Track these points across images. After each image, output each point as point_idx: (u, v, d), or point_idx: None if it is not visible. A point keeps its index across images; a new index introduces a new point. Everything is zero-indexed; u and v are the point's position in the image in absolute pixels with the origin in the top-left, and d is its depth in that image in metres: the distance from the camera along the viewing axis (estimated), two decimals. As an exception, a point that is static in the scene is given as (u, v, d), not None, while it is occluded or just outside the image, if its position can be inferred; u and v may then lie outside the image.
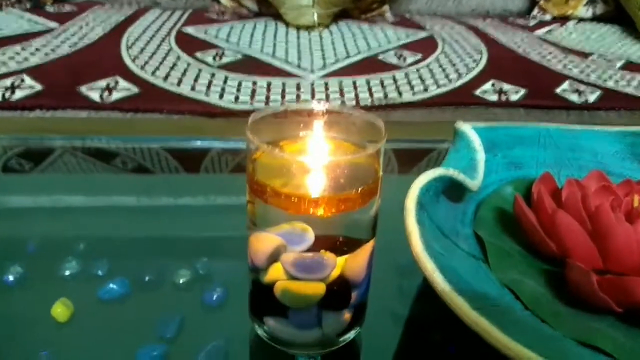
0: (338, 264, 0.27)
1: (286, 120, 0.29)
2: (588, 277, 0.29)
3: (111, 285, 0.35)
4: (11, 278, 0.36)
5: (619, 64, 0.87)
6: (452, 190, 0.35)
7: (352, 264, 0.27)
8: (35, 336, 0.31)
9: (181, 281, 0.37)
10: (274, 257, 0.27)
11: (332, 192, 0.25)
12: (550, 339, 0.27)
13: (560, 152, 0.44)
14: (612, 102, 0.73)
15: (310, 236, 0.26)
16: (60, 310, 0.33)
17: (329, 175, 0.25)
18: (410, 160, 0.56)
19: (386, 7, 1.14)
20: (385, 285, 0.35)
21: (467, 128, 0.40)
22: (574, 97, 0.74)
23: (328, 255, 0.26)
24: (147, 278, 0.37)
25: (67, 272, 0.37)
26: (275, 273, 0.27)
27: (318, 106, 0.29)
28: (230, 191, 0.48)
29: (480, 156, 0.38)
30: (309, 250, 0.26)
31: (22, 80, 0.68)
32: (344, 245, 0.27)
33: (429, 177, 0.32)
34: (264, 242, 0.27)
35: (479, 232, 0.35)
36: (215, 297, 0.35)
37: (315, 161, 0.25)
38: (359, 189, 0.25)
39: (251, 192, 0.27)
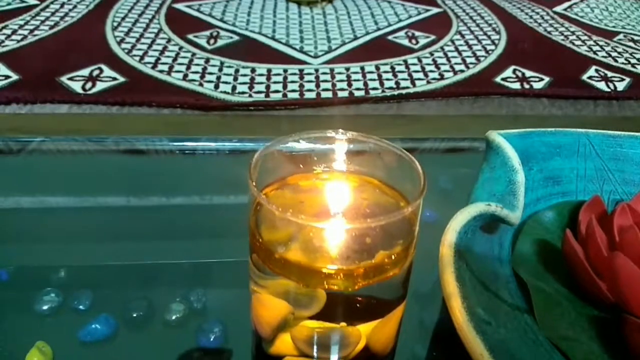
0: (361, 334, 0.22)
1: (299, 152, 0.23)
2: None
3: (94, 325, 0.31)
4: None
5: (647, 45, 0.81)
6: (489, 223, 0.30)
7: (378, 334, 0.22)
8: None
9: (173, 318, 0.33)
10: (282, 326, 0.22)
11: (357, 260, 0.20)
12: None
13: (602, 162, 0.39)
14: (643, 90, 0.68)
15: (325, 297, 0.21)
16: (36, 359, 0.29)
17: (354, 237, 0.20)
18: (431, 163, 0.50)
19: (393, -21, 1.05)
20: (408, 326, 0.31)
21: (502, 141, 0.35)
22: (602, 85, 0.68)
23: (351, 331, 0.21)
24: (134, 315, 0.33)
25: (45, 307, 0.33)
26: (284, 346, 0.22)
27: (338, 136, 0.23)
28: (230, 210, 0.42)
29: (520, 178, 0.33)
30: (324, 316, 0.21)
31: (-3, 69, 0.61)
32: (369, 310, 0.22)
33: (468, 217, 0.26)
34: (269, 308, 0.22)
35: (520, 273, 0.30)
36: (212, 338, 0.31)
37: (336, 225, 0.20)
38: (391, 255, 0.20)
39: (254, 248, 0.22)
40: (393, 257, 0.20)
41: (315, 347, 0.21)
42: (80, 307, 0.33)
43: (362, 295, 0.22)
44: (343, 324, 0.21)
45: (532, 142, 0.37)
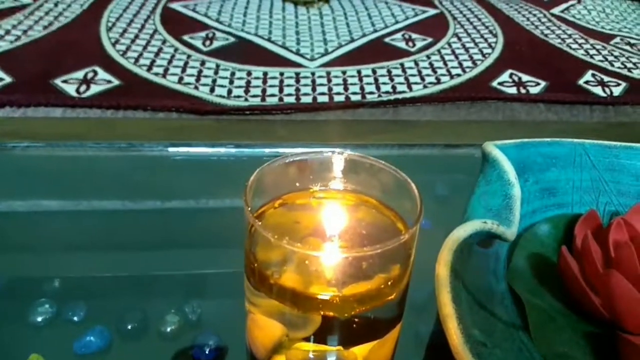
0: (358, 357, 0.22)
1: (295, 172, 0.23)
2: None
3: (89, 338, 0.31)
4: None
5: (643, 49, 0.81)
6: (485, 239, 0.30)
7: (375, 355, 0.22)
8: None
9: (169, 329, 0.32)
10: (276, 348, 0.22)
11: (352, 287, 0.20)
12: None
13: (598, 173, 0.39)
14: (639, 94, 0.68)
15: (318, 319, 0.21)
16: None
17: (350, 263, 0.20)
18: (426, 170, 0.50)
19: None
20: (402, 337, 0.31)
21: (498, 154, 0.35)
22: (598, 90, 0.68)
23: (347, 354, 0.21)
24: (129, 327, 0.32)
25: (40, 318, 0.33)
26: (280, 367, 0.22)
27: (335, 156, 0.23)
28: (225, 218, 0.42)
29: (516, 192, 0.33)
30: (320, 338, 0.21)
31: (-10, 71, 0.61)
32: (365, 332, 0.22)
33: (464, 234, 0.26)
34: (264, 330, 0.22)
35: (516, 289, 0.30)
36: (207, 351, 0.31)
37: (334, 253, 0.20)
38: (387, 279, 0.20)
39: (249, 270, 0.22)
40: (390, 282, 0.20)
41: (310, 370, 0.21)
42: (75, 318, 0.32)
43: (358, 317, 0.21)
44: (339, 347, 0.21)
45: (529, 153, 0.37)
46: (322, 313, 0.20)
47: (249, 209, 0.20)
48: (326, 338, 0.21)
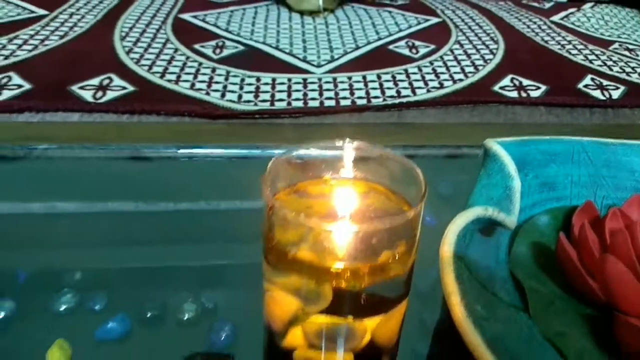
0: (367, 329, 0.24)
1: (309, 161, 0.25)
2: (643, 336, 0.26)
3: (110, 324, 0.33)
4: (1, 315, 0.33)
5: (642, 54, 0.83)
6: (487, 226, 0.32)
7: (383, 328, 0.24)
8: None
9: (186, 317, 0.34)
10: (293, 320, 0.24)
11: (363, 260, 0.22)
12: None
13: (595, 169, 0.41)
14: (638, 98, 0.69)
15: (330, 294, 0.23)
16: (57, 355, 0.30)
17: (360, 238, 0.22)
18: (431, 170, 0.52)
19: (394, -11, 1.08)
20: (409, 324, 0.32)
21: (498, 149, 0.37)
22: (597, 93, 0.70)
23: (357, 325, 0.23)
24: (149, 314, 0.34)
25: (62, 307, 0.34)
26: (295, 339, 0.24)
27: (347, 145, 0.25)
28: (239, 213, 0.44)
29: (516, 184, 0.35)
30: (332, 310, 0.23)
31: (10, 79, 0.63)
32: (374, 306, 0.24)
33: (466, 220, 0.28)
34: (281, 304, 0.24)
35: (517, 275, 0.31)
36: (223, 337, 0.32)
37: (344, 227, 0.22)
38: (394, 255, 0.22)
39: (268, 250, 0.23)
40: (397, 256, 0.22)
41: (324, 340, 0.23)
42: (97, 307, 0.34)
43: (368, 293, 0.23)
44: (350, 318, 0.23)
45: (529, 150, 0.38)
46: (335, 285, 0.21)
47: (268, 190, 0.22)
48: (338, 311, 0.23)
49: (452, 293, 0.24)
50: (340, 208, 0.24)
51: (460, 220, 0.28)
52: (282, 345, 0.24)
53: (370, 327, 0.24)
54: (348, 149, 0.25)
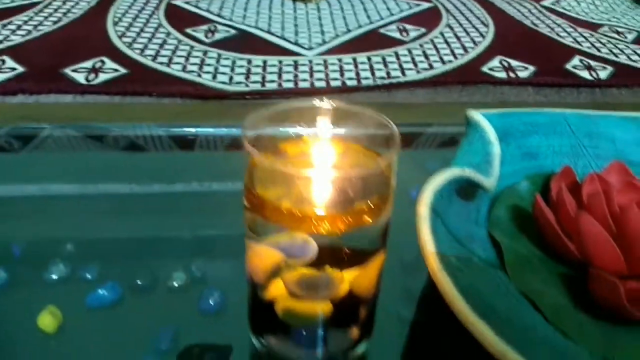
0: (346, 279, 0.25)
1: (288, 119, 0.26)
2: (615, 288, 0.27)
3: (101, 292, 0.33)
4: (-5, 284, 0.34)
5: (630, 37, 0.83)
6: (466, 188, 0.33)
7: (361, 278, 0.25)
8: (21, 349, 0.29)
9: (176, 285, 0.35)
10: (275, 272, 0.25)
11: (340, 207, 0.22)
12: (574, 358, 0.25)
13: (577, 139, 0.41)
14: (625, 78, 0.70)
15: (314, 247, 0.24)
16: (47, 320, 0.31)
17: (337, 188, 0.23)
18: (418, 146, 0.53)
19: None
20: (392, 289, 0.33)
21: (480, 118, 0.38)
22: (585, 74, 0.71)
23: (335, 273, 0.24)
24: (139, 282, 0.35)
25: (55, 276, 0.35)
26: (276, 290, 0.25)
27: (324, 104, 0.26)
28: (229, 186, 0.45)
29: (496, 150, 0.35)
30: (313, 263, 0.24)
31: (4, 62, 0.64)
32: (352, 257, 0.24)
33: (444, 180, 0.29)
34: (263, 257, 0.25)
35: (495, 235, 0.32)
36: (212, 302, 0.33)
37: (321, 173, 0.23)
38: (371, 204, 0.23)
39: (249, 202, 0.24)
40: (372, 205, 0.22)
41: (304, 289, 0.24)
42: (88, 276, 0.34)
43: (345, 243, 0.24)
44: (328, 268, 0.24)
45: (511, 121, 0.39)
46: (314, 231, 0.22)
47: (247, 142, 0.22)
48: (319, 265, 0.24)
49: (427, 243, 0.25)
50: (317, 164, 0.25)
51: (438, 180, 0.29)
52: (265, 297, 0.25)
53: (348, 278, 0.25)
54: (326, 108, 0.26)
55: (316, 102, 0.26)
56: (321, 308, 0.25)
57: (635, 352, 0.26)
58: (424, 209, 0.27)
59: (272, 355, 0.27)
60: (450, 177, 0.29)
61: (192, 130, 0.52)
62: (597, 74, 0.71)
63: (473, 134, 0.37)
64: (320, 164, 0.25)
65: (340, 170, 0.22)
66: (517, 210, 0.35)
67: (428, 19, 0.86)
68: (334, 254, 0.24)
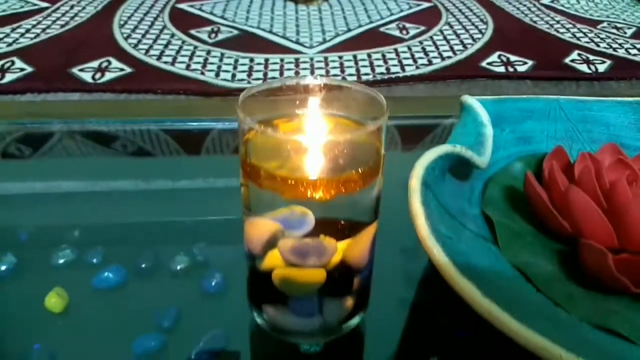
0: (339, 249, 0.25)
1: (281, 97, 0.27)
2: (603, 257, 0.27)
3: (106, 274, 0.34)
4: (3, 268, 0.35)
5: (629, 32, 0.84)
6: (459, 167, 0.34)
7: (353, 248, 0.26)
8: (28, 328, 0.30)
9: (179, 268, 0.36)
10: (271, 243, 0.25)
11: (331, 173, 0.23)
12: (565, 325, 0.26)
13: (571, 124, 0.42)
14: (624, 71, 0.71)
15: (310, 220, 0.24)
16: (54, 300, 0.32)
17: (328, 155, 0.24)
18: (415, 137, 0.54)
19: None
20: (390, 269, 0.34)
21: (473, 102, 0.38)
22: (584, 67, 0.71)
23: (328, 240, 0.25)
24: (143, 265, 0.36)
25: (61, 261, 0.36)
26: (273, 260, 0.26)
27: (315, 81, 0.27)
28: (228, 174, 0.46)
29: (488, 131, 0.36)
30: (308, 235, 0.24)
31: (13, 63, 0.66)
32: (345, 229, 0.25)
33: (435, 155, 0.30)
34: (259, 228, 0.26)
35: (488, 212, 0.33)
36: (214, 283, 0.34)
37: (312, 140, 0.24)
38: (360, 170, 0.24)
39: (245, 175, 0.25)
40: (361, 170, 0.23)
41: (298, 256, 0.25)
42: (94, 260, 0.35)
43: (340, 217, 0.25)
44: (322, 237, 0.25)
45: (506, 107, 0.40)
46: (306, 196, 0.23)
47: (244, 116, 0.23)
48: (312, 234, 0.24)
49: (418, 214, 0.26)
50: (309, 138, 0.26)
51: (429, 155, 0.29)
52: (262, 267, 0.26)
53: (342, 248, 0.25)
54: (317, 84, 0.27)
55: (309, 78, 0.27)
56: (316, 276, 0.25)
57: (621, 319, 0.26)
58: (415, 182, 0.27)
59: (270, 328, 0.28)
60: (441, 152, 0.30)
61: (195, 124, 0.53)
62: (596, 68, 0.72)
63: (466, 117, 0.37)
64: (311, 133, 0.26)
65: (330, 136, 0.23)
66: (511, 191, 0.35)
67: (428, 17, 0.87)
68: (328, 226, 0.25)
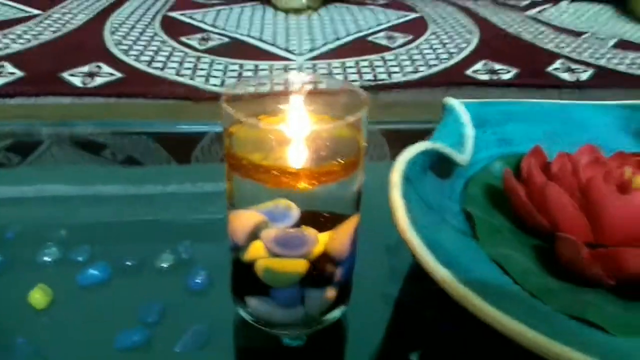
0: (321, 241, 0.26)
1: (264, 95, 0.28)
2: (578, 250, 0.28)
3: (91, 271, 0.34)
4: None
5: (611, 42, 0.86)
6: (440, 165, 0.34)
7: (335, 239, 0.26)
8: (12, 324, 0.30)
9: (164, 266, 0.36)
10: (255, 234, 0.26)
11: (313, 163, 0.24)
12: (542, 314, 0.26)
13: (551, 126, 0.43)
14: (605, 80, 0.72)
15: (295, 213, 0.25)
16: (38, 296, 0.32)
17: (309, 147, 0.24)
18: (398, 140, 0.55)
19: (376, -10, 1.12)
20: (373, 265, 0.35)
21: (455, 103, 0.39)
22: (566, 76, 0.73)
23: (309, 231, 0.25)
24: (128, 263, 0.36)
25: (47, 259, 0.36)
26: (256, 251, 0.26)
27: (297, 77, 0.28)
28: (213, 174, 0.46)
29: (469, 131, 0.37)
30: (291, 227, 0.25)
31: (2, 67, 0.66)
32: (328, 222, 0.26)
33: (416, 151, 0.31)
34: (243, 219, 0.26)
35: (468, 208, 0.34)
36: (198, 280, 0.34)
37: (294, 132, 0.24)
38: (341, 160, 0.24)
39: (229, 168, 0.26)
40: (342, 161, 0.24)
41: (281, 246, 0.25)
42: (80, 258, 0.36)
43: (322, 210, 0.26)
44: (304, 227, 0.25)
45: (488, 110, 0.41)
46: (288, 185, 0.24)
47: (227, 107, 0.24)
48: (295, 226, 0.25)
49: (397, 207, 0.26)
50: (292, 132, 0.27)
51: (410, 151, 0.30)
52: (245, 258, 0.27)
53: (324, 240, 0.26)
54: (298, 80, 0.28)
55: (292, 74, 0.28)
56: (298, 266, 0.26)
57: (596, 310, 0.27)
58: (396, 176, 0.28)
59: (253, 319, 0.29)
60: (422, 148, 0.31)
61: (184, 127, 0.54)
62: (578, 77, 0.73)
63: (448, 118, 0.38)
64: (293, 125, 0.26)
65: (311, 127, 0.24)
66: (491, 189, 0.36)
67: (415, 27, 0.89)
68: (310, 219, 0.25)
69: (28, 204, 0.42)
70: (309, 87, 0.28)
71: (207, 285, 0.34)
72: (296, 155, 0.24)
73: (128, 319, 0.30)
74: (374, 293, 0.33)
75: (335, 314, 0.29)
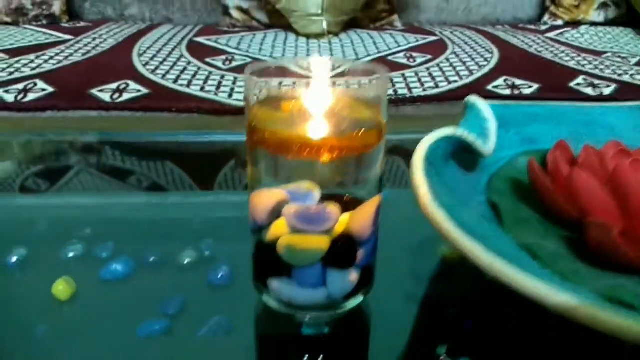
0: (343, 220, 0.26)
1: (286, 75, 0.28)
2: (609, 233, 0.27)
3: (115, 266, 0.34)
4: (14, 259, 0.35)
5: (633, 61, 0.86)
6: (463, 157, 0.34)
7: (357, 219, 0.26)
8: (35, 314, 0.30)
9: (186, 262, 0.36)
10: (277, 212, 0.26)
11: (334, 135, 0.24)
12: (572, 289, 0.25)
13: (575, 128, 0.42)
14: (628, 94, 0.72)
15: (316, 194, 0.25)
16: (61, 288, 0.32)
17: (330, 120, 0.25)
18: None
19: (395, 17, 1.14)
20: (396, 259, 0.34)
21: (477, 100, 0.39)
22: (589, 90, 0.73)
23: (332, 207, 0.25)
24: (151, 259, 0.36)
25: (71, 254, 0.36)
26: (278, 229, 0.26)
27: (320, 60, 0.28)
28: (237, 181, 0.47)
29: (492, 125, 0.37)
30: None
31: (35, 84, 0.69)
32: (350, 204, 0.26)
33: (438, 136, 0.30)
34: (265, 197, 0.26)
35: (493, 199, 0.33)
36: (220, 275, 0.34)
37: (316, 105, 0.25)
38: (362, 131, 0.24)
39: (250, 145, 0.26)
40: (362, 132, 0.24)
41: (303, 221, 0.25)
42: (103, 254, 0.36)
43: (343, 193, 0.26)
44: (326, 202, 0.25)
45: (511, 112, 0.41)
46: (310, 156, 0.24)
47: (251, 78, 0.25)
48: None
49: (420, 185, 0.26)
50: (314, 112, 0.27)
51: (432, 136, 0.30)
52: (267, 238, 0.27)
53: (345, 219, 0.26)
54: (322, 63, 0.28)
55: (314, 58, 0.28)
56: (320, 243, 0.26)
57: (629, 292, 0.26)
58: (418, 158, 0.28)
59: (275, 302, 0.28)
60: (444, 134, 0.31)
61: (206, 137, 0.55)
62: (601, 91, 0.73)
63: (470, 114, 0.38)
64: (315, 99, 0.27)
65: (333, 101, 0.24)
66: (516, 183, 0.35)
67: (434, 49, 0.90)
68: (333, 200, 0.25)
69: (53, 201, 0.43)
70: (332, 69, 0.28)
71: (229, 280, 0.33)
72: (317, 128, 0.24)
73: (149, 311, 0.30)
74: (396, 286, 0.33)
75: (358, 298, 0.28)
